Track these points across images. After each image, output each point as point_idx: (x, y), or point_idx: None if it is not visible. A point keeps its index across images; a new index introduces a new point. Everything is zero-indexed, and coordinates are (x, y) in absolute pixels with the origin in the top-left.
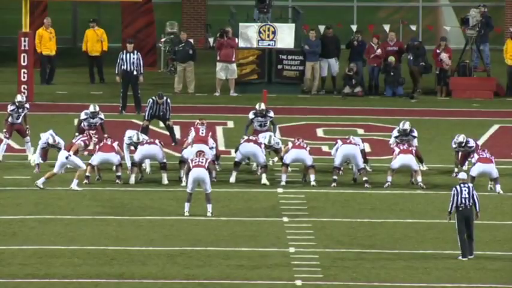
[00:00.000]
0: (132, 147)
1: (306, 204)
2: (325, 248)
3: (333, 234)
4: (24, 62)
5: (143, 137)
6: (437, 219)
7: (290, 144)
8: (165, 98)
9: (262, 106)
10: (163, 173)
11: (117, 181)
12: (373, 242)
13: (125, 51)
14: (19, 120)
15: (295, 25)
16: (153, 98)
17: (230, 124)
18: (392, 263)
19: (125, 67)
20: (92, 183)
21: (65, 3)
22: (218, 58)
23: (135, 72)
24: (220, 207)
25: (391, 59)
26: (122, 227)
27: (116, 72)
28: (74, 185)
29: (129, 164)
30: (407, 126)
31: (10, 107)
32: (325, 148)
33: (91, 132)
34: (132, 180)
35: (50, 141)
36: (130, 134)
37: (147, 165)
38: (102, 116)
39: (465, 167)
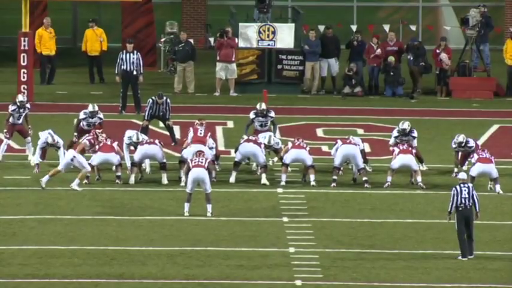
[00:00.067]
0: (132, 147)
1: (306, 204)
2: (325, 248)
3: (332, 234)
4: (24, 62)
5: (143, 137)
6: (437, 219)
7: (290, 144)
8: (164, 98)
9: (263, 106)
10: (163, 173)
11: (117, 181)
12: (373, 242)
13: (124, 51)
14: (20, 121)
15: (295, 25)
16: (153, 98)
17: (230, 124)
18: (392, 263)
19: (125, 67)
20: (91, 183)
21: (65, 3)
22: (218, 58)
23: (135, 72)
24: (220, 207)
25: (391, 59)
26: (122, 227)
27: (116, 72)
28: (74, 185)
29: (128, 164)
30: (406, 126)
31: (11, 107)
32: (325, 148)
33: (97, 130)
34: (132, 180)
35: (49, 140)
36: (130, 134)
37: (146, 165)
38: (101, 115)
39: (465, 167)
